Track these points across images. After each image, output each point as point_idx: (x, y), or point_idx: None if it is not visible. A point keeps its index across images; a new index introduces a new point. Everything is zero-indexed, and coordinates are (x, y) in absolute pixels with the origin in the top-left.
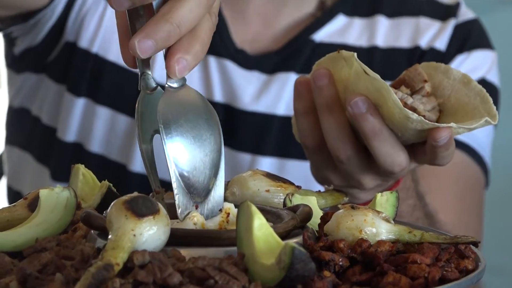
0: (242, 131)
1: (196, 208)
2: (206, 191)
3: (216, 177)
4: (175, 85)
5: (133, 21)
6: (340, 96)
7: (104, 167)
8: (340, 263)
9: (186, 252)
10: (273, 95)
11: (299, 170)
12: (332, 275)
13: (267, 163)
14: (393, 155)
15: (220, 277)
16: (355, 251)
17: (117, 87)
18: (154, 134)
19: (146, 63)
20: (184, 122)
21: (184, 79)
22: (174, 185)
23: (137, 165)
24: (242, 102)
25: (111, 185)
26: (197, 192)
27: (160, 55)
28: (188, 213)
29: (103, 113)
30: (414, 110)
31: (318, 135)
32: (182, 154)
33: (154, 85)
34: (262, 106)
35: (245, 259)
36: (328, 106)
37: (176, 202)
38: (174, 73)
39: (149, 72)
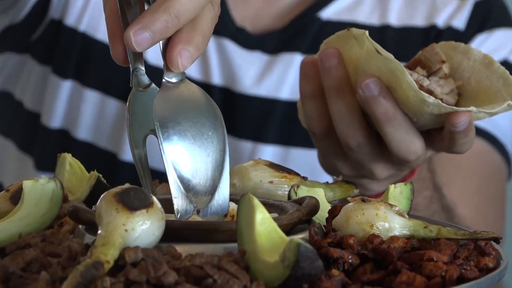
0: (242, 117)
1: (198, 213)
2: (209, 195)
3: (220, 179)
4: (173, 79)
5: (124, 11)
6: (350, 77)
7: (92, 156)
8: (350, 261)
9: (182, 249)
10: (276, 78)
11: (304, 160)
12: (341, 273)
13: (269, 152)
14: (408, 142)
15: (219, 276)
16: (366, 247)
17: (107, 68)
18: (147, 135)
19: (139, 57)
20: (183, 120)
21: (183, 74)
22: (172, 188)
23: (129, 153)
24: (243, 85)
25: (101, 175)
26: (199, 196)
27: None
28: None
29: (91, 97)
30: (430, 93)
31: (326, 120)
32: (181, 154)
33: (147, 81)
34: (264, 89)
35: (246, 256)
36: (337, 88)
37: (175, 207)
38: (177, 65)
39: (142, 68)
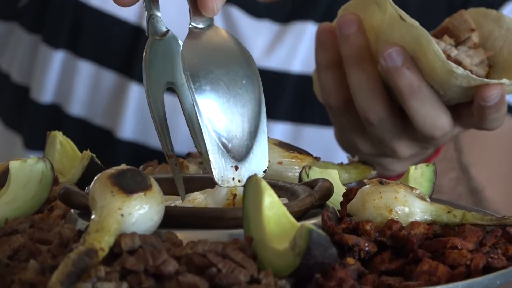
0: None
1: (236, 169)
2: (246, 149)
3: (256, 132)
4: (200, 25)
5: None
6: (370, 46)
7: (86, 133)
8: (366, 249)
9: (183, 235)
10: (287, 49)
11: (318, 139)
12: (357, 262)
13: (279, 130)
14: (434, 117)
15: (224, 265)
16: (384, 234)
17: (102, 37)
18: (165, 87)
19: (156, 2)
20: (215, 68)
21: (211, 19)
22: (208, 143)
23: (126, 130)
24: None
25: (94, 155)
26: (236, 151)
27: None
28: (227, 178)
29: (85, 69)
30: (459, 63)
31: (345, 93)
32: (215, 106)
33: (164, 29)
34: (274, 61)
35: (253, 244)
36: (357, 58)
37: (212, 164)
38: (212, 9)
39: (159, 14)
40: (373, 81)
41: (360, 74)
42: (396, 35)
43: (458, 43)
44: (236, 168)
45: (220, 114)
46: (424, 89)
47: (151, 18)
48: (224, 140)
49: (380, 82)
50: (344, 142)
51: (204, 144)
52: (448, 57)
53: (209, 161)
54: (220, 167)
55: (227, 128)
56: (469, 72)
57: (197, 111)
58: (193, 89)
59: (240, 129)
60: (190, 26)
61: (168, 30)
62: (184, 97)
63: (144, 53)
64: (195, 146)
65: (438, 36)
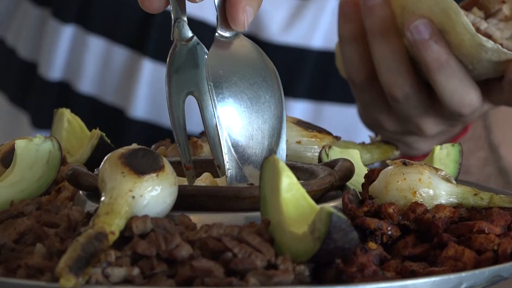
0: None
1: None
2: None
3: (277, 149)
4: (227, 34)
5: None
6: (396, 18)
7: (96, 112)
8: (389, 233)
9: (197, 218)
10: (308, 23)
11: (339, 117)
12: (379, 247)
13: (299, 108)
14: (462, 93)
15: (240, 250)
16: (408, 217)
17: (114, 11)
18: (187, 94)
19: (183, 7)
20: (239, 80)
21: None
22: (226, 157)
23: (138, 109)
24: (269, 32)
25: (104, 134)
26: (253, 167)
27: None
28: None
29: (96, 44)
30: (489, 37)
31: (369, 67)
32: (236, 119)
33: (190, 34)
34: (293, 36)
35: (270, 227)
36: (381, 30)
37: (228, 180)
38: (242, 23)
39: (185, 19)
40: (398, 55)
41: (385, 48)
42: (423, 7)
43: (488, 16)
44: (252, 185)
45: (240, 128)
46: (452, 63)
47: (176, 21)
48: (242, 155)
49: (406, 56)
50: (368, 120)
51: (222, 157)
52: (478, 30)
53: (226, 176)
54: (236, 183)
55: (246, 143)
56: (499, 46)
57: (217, 123)
58: (215, 101)
59: (260, 145)
60: (217, 34)
61: (193, 36)
62: (205, 106)
63: (168, 58)
64: (213, 159)
65: (467, 8)
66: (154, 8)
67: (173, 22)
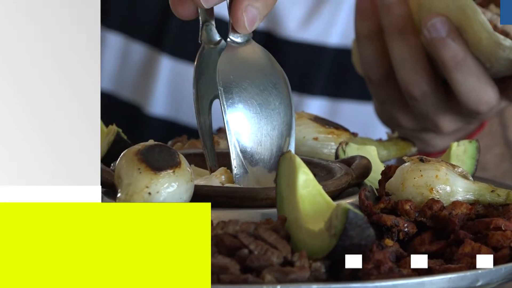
0: (285, 65)
1: None
2: (273, 172)
3: None
4: (239, 39)
5: None
6: (413, 16)
7: (113, 108)
8: (405, 229)
9: (214, 215)
10: (325, 20)
11: (356, 114)
12: (396, 244)
13: (315, 105)
14: (479, 91)
15: (256, 246)
16: (424, 214)
17: (131, 7)
18: (214, 98)
19: (211, 10)
20: (249, 85)
21: (250, 33)
22: (234, 162)
23: (155, 106)
24: (286, 29)
25: (121, 130)
26: (261, 173)
27: None
28: None
29: (113, 41)
30: (506, 34)
31: (386, 64)
32: (245, 125)
33: (217, 38)
34: (311, 33)
35: (287, 224)
36: (399, 28)
37: (236, 182)
38: (243, 25)
39: (213, 23)
40: (416, 52)
41: (402, 45)
42: (440, 5)
43: None
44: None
45: (249, 134)
46: (469, 61)
47: (204, 25)
48: (250, 161)
49: (423, 54)
50: (384, 116)
51: (230, 163)
52: (495, 27)
53: (234, 181)
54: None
55: (255, 149)
56: None
57: (226, 128)
58: (225, 105)
59: (268, 152)
60: (228, 40)
61: (221, 39)
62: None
63: (195, 62)
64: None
65: (484, 5)
66: (188, 14)
67: (201, 25)
